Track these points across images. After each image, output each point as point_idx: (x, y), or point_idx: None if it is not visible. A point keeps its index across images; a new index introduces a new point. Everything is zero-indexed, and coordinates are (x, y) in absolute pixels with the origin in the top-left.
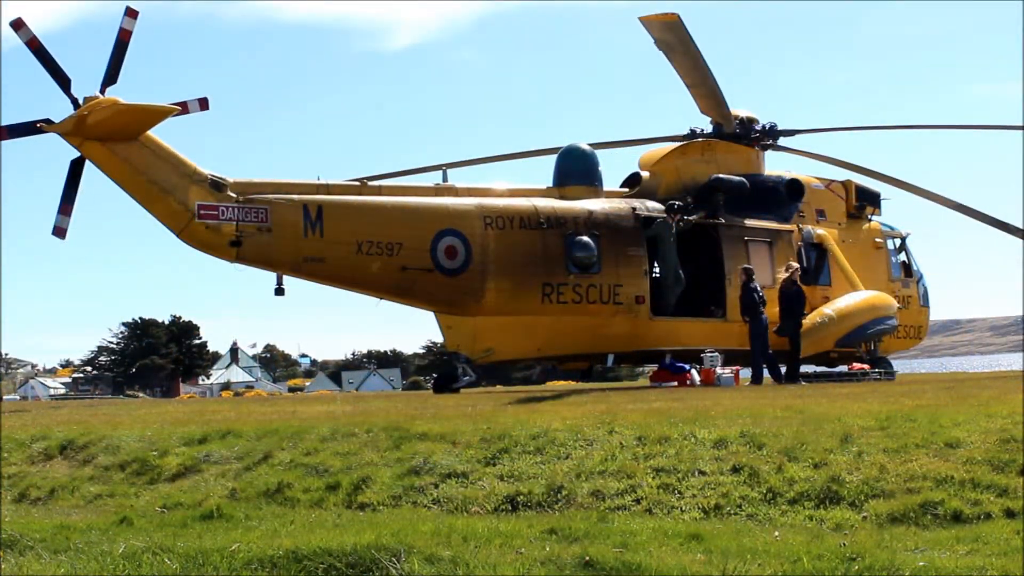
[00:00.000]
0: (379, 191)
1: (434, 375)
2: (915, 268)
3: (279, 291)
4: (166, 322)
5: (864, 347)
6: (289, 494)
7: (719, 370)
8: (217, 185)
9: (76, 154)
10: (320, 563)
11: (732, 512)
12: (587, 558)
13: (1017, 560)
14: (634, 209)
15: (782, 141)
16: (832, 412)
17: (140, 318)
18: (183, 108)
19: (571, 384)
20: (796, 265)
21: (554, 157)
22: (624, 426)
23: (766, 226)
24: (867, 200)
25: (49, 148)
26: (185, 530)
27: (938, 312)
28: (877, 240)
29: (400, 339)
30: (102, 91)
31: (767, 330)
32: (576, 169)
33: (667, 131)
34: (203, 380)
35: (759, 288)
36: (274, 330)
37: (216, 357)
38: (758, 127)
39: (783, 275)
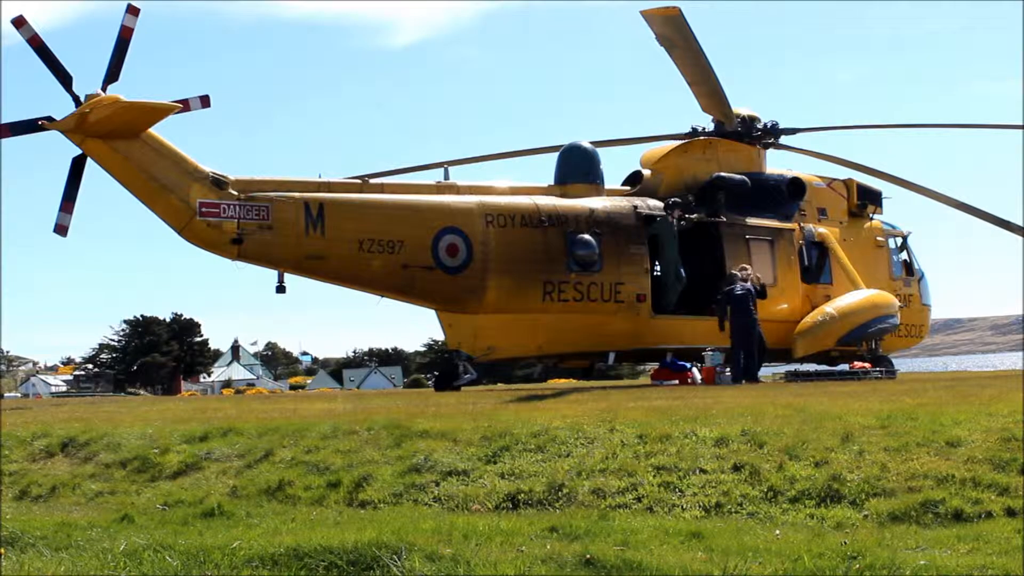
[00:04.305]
0: (380, 189)
1: (435, 373)
2: (916, 267)
3: (280, 289)
4: (167, 320)
5: (865, 346)
6: (290, 492)
7: (720, 368)
8: (218, 183)
9: (78, 151)
10: (321, 560)
11: (733, 510)
12: (588, 556)
13: (1018, 559)
14: (635, 207)
15: (784, 140)
16: (833, 410)
17: (141, 316)
18: (185, 106)
19: (572, 382)
20: (749, 268)
21: (555, 155)
22: (625, 424)
23: (768, 224)
24: (868, 199)
25: (51, 146)
26: (186, 528)
27: (939, 311)
28: (878, 239)
29: (401, 337)
30: (104, 89)
31: (746, 330)
32: (577, 167)
33: (669, 129)
34: (204, 378)
35: (744, 288)
36: (275, 328)
37: (217, 355)
38: (760, 125)
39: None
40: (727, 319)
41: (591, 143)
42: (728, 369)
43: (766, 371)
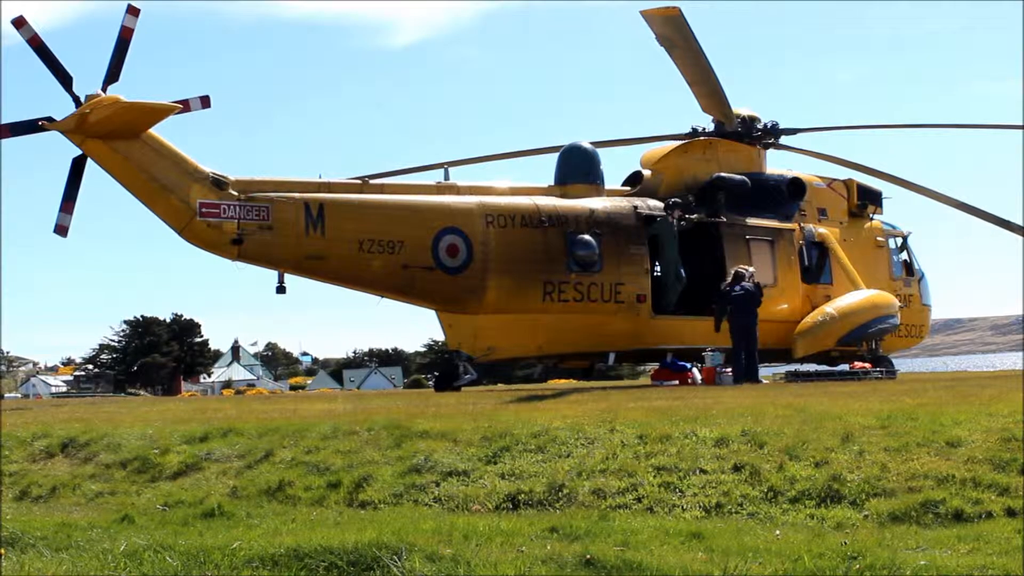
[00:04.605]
0: (381, 189)
1: (435, 373)
2: (916, 267)
3: (280, 289)
4: (167, 320)
5: (865, 346)
6: (290, 492)
7: (720, 368)
8: (219, 183)
9: (78, 152)
10: (321, 561)
11: (733, 511)
12: (588, 556)
13: (1018, 559)
14: (635, 207)
15: (784, 140)
16: (833, 411)
17: (141, 316)
18: (185, 106)
19: (572, 382)
20: (752, 269)
21: (556, 156)
22: (625, 424)
23: (768, 225)
24: (869, 199)
25: (51, 146)
26: (186, 528)
27: (939, 311)
28: (879, 239)
29: (401, 337)
30: (104, 89)
31: (747, 330)
32: (578, 167)
33: (669, 129)
34: (204, 378)
35: (744, 289)
36: (275, 328)
37: (217, 355)
38: (760, 126)
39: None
40: (725, 319)
41: (591, 143)
42: (728, 369)
43: (766, 371)
